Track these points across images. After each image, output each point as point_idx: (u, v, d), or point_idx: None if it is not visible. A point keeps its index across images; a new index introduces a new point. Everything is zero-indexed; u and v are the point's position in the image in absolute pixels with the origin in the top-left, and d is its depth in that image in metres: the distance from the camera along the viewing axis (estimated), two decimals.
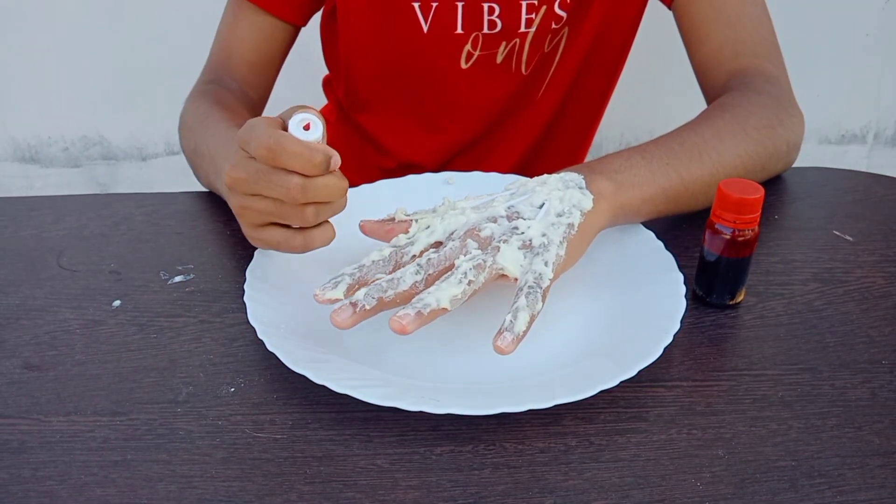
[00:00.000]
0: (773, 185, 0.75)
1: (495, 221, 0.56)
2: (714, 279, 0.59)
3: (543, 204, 0.57)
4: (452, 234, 0.56)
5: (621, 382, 0.49)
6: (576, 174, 0.59)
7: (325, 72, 1.00)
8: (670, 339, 0.52)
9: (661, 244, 0.62)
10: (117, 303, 0.60)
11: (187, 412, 0.50)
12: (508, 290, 0.60)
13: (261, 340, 0.52)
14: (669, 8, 0.82)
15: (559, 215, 0.56)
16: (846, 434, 0.49)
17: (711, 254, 0.58)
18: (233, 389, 0.52)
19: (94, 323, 0.58)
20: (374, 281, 0.53)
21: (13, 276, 0.63)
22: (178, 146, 1.90)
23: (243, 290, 0.56)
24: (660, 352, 0.51)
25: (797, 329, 0.58)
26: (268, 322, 0.53)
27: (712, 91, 0.78)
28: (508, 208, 0.57)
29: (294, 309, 0.56)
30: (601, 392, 0.49)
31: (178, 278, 0.62)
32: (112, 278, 0.62)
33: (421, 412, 0.47)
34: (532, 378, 0.51)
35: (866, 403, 0.52)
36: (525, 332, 0.50)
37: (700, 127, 0.68)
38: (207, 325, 0.57)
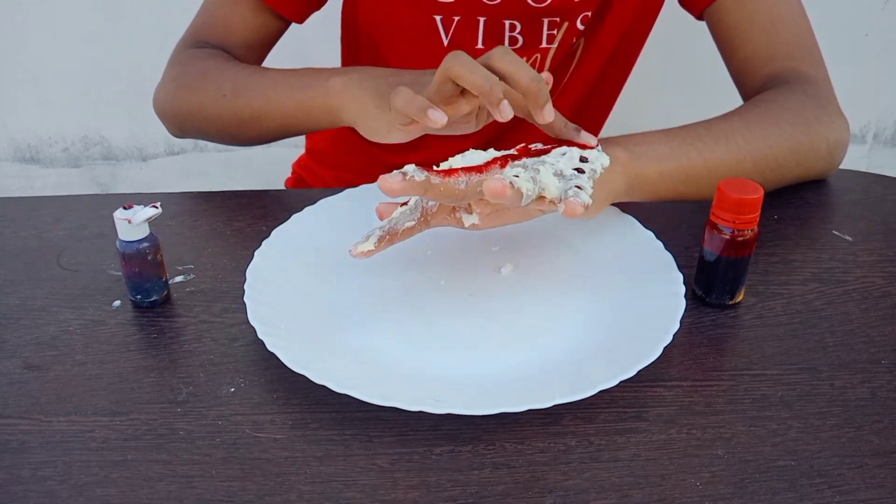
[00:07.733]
0: None
1: (520, 160, 0.56)
2: (713, 279, 0.59)
3: (566, 152, 0.58)
4: None
5: (621, 382, 0.49)
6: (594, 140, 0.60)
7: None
8: (670, 338, 0.52)
9: (660, 244, 0.62)
10: (117, 303, 0.60)
11: (187, 412, 0.50)
12: (508, 286, 0.60)
13: (261, 340, 0.52)
14: (699, 18, 0.81)
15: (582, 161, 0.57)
16: (846, 434, 0.49)
17: (711, 253, 0.58)
18: (233, 389, 0.52)
19: (94, 323, 0.58)
20: (403, 230, 0.54)
21: (13, 276, 0.63)
22: (178, 146, 1.89)
23: (243, 290, 0.56)
24: (659, 352, 0.51)
25: (797, 329, 0.58)
26: (268, 322, 0.53)
27: (750, 96, 0.77)
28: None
29: (294, 309, 0.56)
30: (601, 392, 0.49)
31: (178, 278, 0.62)
32: (112, 278, 0.62)
33: (421, 412, 0.47)
34: (532, 378, 0.51)
35: (866, 403, 0.52)
36: (586, 205, 0.52)
37: (729, 116, 0.68)
38: (207, 325, 0.57)
